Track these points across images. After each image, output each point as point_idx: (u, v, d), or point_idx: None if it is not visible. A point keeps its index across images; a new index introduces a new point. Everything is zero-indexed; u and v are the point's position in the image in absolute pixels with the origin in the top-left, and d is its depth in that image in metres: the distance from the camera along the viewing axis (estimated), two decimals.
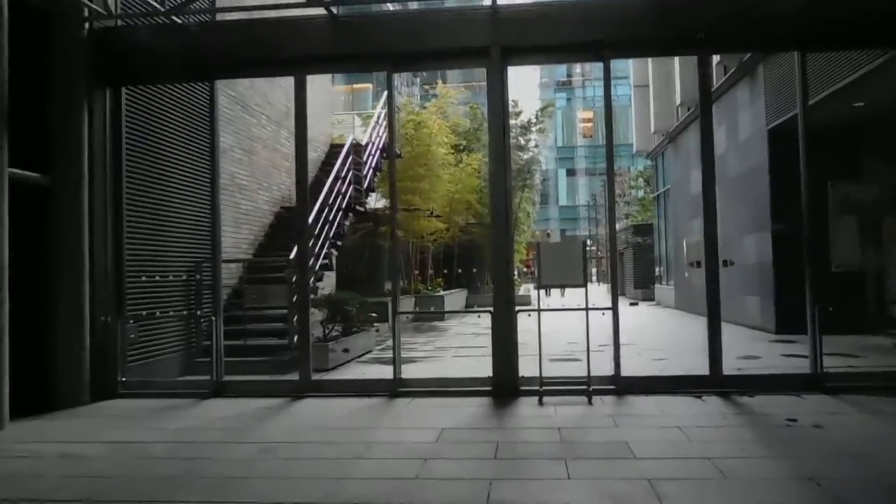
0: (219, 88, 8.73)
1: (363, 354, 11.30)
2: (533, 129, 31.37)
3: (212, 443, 5.98)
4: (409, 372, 9.76)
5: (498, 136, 7.86)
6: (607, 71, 7.96)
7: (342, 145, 15.77)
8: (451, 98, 24.95)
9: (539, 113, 31.61)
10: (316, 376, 8.34)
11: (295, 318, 9.85)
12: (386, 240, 21.01)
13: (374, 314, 12.27)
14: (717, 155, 17.75)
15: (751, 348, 11.58)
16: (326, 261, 12.20)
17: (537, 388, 7.44)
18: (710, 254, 7.81)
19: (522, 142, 31.13)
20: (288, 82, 14.61)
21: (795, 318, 12.62)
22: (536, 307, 7.66)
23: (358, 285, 19.16)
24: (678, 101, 19.63)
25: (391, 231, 8.87)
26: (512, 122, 31.42)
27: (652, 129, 23.69)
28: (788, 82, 12.99)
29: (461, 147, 28.88)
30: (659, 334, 14.64)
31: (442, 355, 11.88)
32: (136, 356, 8.37)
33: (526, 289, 32.69)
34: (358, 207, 14.33)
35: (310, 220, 8.26)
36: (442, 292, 22.68)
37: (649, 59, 23.35)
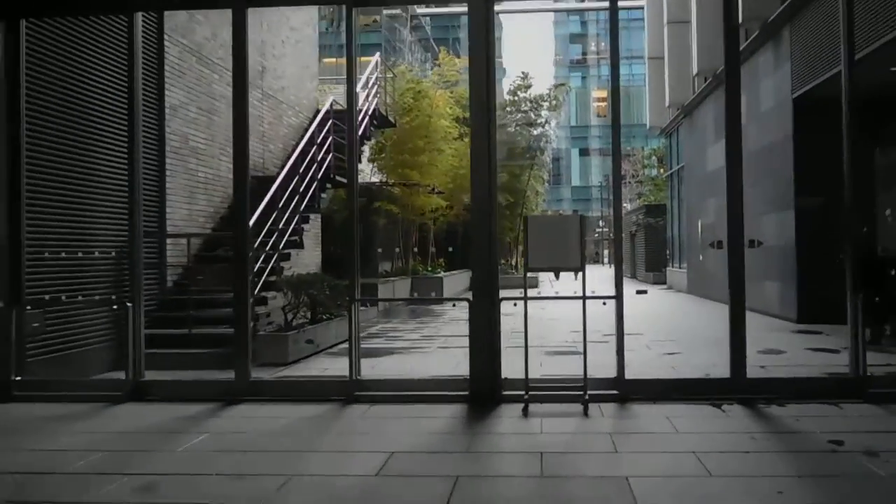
0: (168, 36, 7.47)
1: (336, 345, 10.09)
2: (544, 104, 29.91)
3: (77, 475, 4.51)
4: (381, 368, 8.57)
5: (480, 86, 6.55)
6: (614, 14, 6.66)
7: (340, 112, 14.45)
8: (456, 66, 23.51)
9: (553, 90, 30.16)
10: (264, 375, 7.13)
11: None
12: (381, 216, 19.80)
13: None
14: None
15: (772, 340, 10.30)
16: (295, 237, 10.93)
17: (522, 392, 6.20)
18: (735, 235, 6.51)
19: (533, 117, 29.72)
20: (259, 37, 13.59)
21: (819, 305, 11.43)
22: (523, 295, 6.39)
23: (348, 266, 17.98)
24: (695, 71, 18.15)
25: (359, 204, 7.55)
26: (522, 95, 30.01)
27: (666, 103, 22.21)
28: (818, 44, 11.57)
29: (466, 120, 27.48)
30: (671, 323, 13.34)
31: (427, 346, 10.65)
32: (45, 349, 7.16)
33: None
34: (340, 179, 13.04)
35: (247, 186, 6.91)
36: (442, 273, 21.40)
37: (665, 28, 21.85)
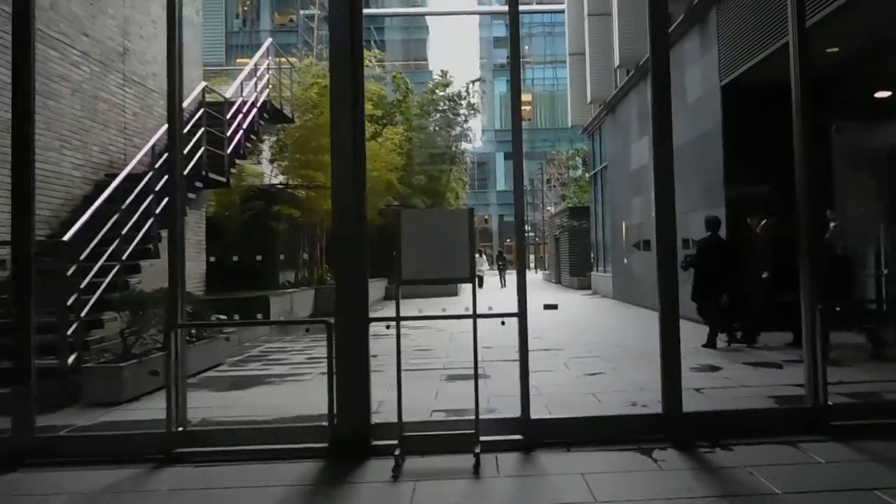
0: None
1: (200, 373, 8.39)
2: (462, 102, 28.58)
3: None
4: (237, 405, 6.91)
5: (343, 46, 5.01)
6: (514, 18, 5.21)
7: (219, 104, 12.66)
8: (366, 60, 21.91)
9: (469, 86, 28.85)
10: (82, 419, 5.40)
11: (73, 329, 6.93)
12: (281, 221, 18.00)
13: (222, 316, 9.35)
14: None
15: (706, 353, 9.10)
16: (149, 245, 9.11)
17: (396, 442, 4.68)
18: (666, 239, 5.16)
19: (451, 116, 28.37)
20: (121, 13, 11.68)
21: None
22: (395, 315, 4.88)
23: (243, 277, 16.20)
24: (616, 63, 17.08)
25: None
26: (441, 93, 28.66)
27: (588, 99, 21.17)
28: (748, 25, 10.52)
29: (381, 119, 25.96)
30: (594, 335, 12.09)
31: (308, 372, 9.00)
32: None
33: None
34: (216, 177, 11.28)
35: (30, 179, 5.17)
36: None
37: (586, 21, 20.81)
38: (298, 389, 7.85)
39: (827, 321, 5.12)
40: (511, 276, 35.12)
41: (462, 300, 22.89)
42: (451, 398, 6.89)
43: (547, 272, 37.40)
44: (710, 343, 9.39)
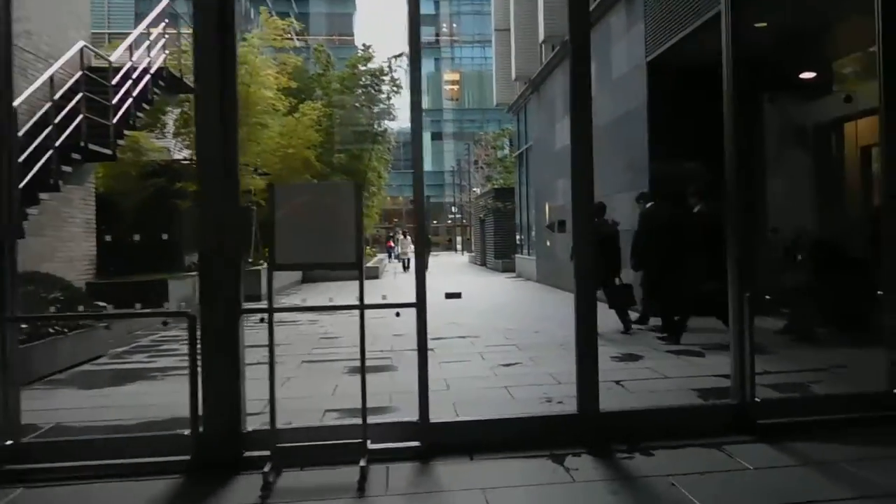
0: None
1: (68, 369, 7.47)
2: (384, 78, 27.64)
3: None
4: (97, 408, 6.04)
5: (209, 8, 4.21)
6: None
7: (103, 69, 11.49)
8: (280, 29, 20.74)
9: (392, 61, 27.88)
10: None
11: None
12: (187, 199, 16.81)
13: (102, 304, 8.40)
14: None
15: (628, 339, 8.70)
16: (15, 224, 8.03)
17: (268, 453, 3.98)
18: (581, 224, 4.59)
19: (374, 92, 27.39)
20: None
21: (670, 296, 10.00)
22: (268, 305, 4.15)
23: (143, 260, 15.03)
24: (541, 38, 16.56)
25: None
26: (363, 67, 27.64)
27: (513, 76, 20.64)
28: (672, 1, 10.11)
29: (300, 94, 24.81)
30: (514, 320, 11.56)
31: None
32: None
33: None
34: (98, 149, 10.19)
35: None
36: (264, 266, 18.67)
37: None
38: (183, 386, 7.00)
39: (754, 309, 4.66)
40: (434, 259, 34.30)
41: (382, 284, 22.21)
42: (350, 395, 6.18)
43: (473, 254, 37.00)
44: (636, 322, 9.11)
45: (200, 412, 4.17)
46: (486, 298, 15.71)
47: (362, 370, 4.13)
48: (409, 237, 30.69)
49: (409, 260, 28.80)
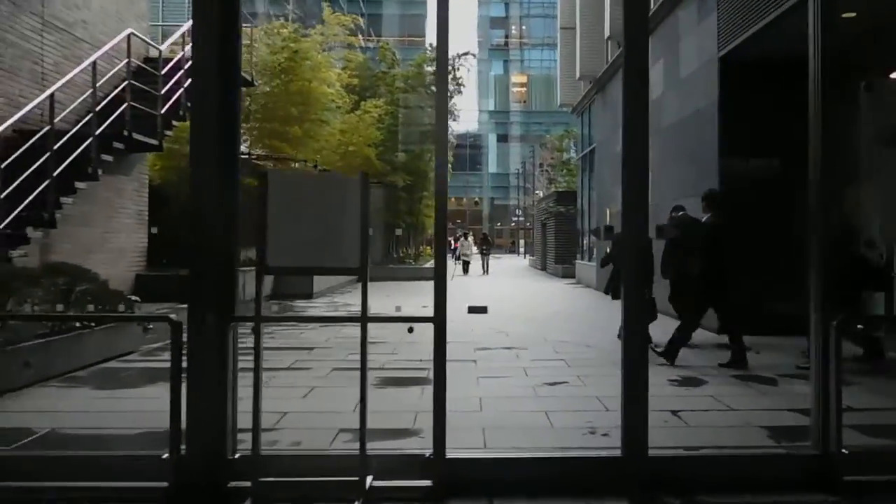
0: None
1: (99, 363, 7.17)
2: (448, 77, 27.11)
3: None
4: (102, 413, 5.63)
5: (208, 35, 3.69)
6: None
7: (154, 59, 11.30)
8: (343, 25, 20.45)
9: (456, 60, 27.36)
10: None
11: None
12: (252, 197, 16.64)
13: (134, 298, 8.06)
14: (652, 99, 14.02)
15: (688, 359, 7.86)
16: (46, 213, 7.75)
17: (250, 484, 3.43)
18: (632, 230, 3.88)
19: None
20: None
21: (749, 312, 9.07)
22: (255, 314, 3.58)
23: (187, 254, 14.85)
24: (607, 34, 15.73)
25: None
26: (428, 68, 27.21)
27: (577, 75, 19.81)
28: None
29: (364, 91, 24.54)
30: (566, 331, 10.74)
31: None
32: None
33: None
34: (144, 139, 9.91)
35: None
36: None
37: None
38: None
39: (840, 341, 3.87)
40: (495, 262, 33.62)
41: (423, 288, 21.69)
42: (375, 412, 5.61)
43: (534, 258, 36.15)
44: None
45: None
46: (540, 306, 15.00)
47: (362, 393, 3.52)
48: (470, 238, 30.10)
49: (469, 263, 28.20)
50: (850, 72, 8.63)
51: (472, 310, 3.91)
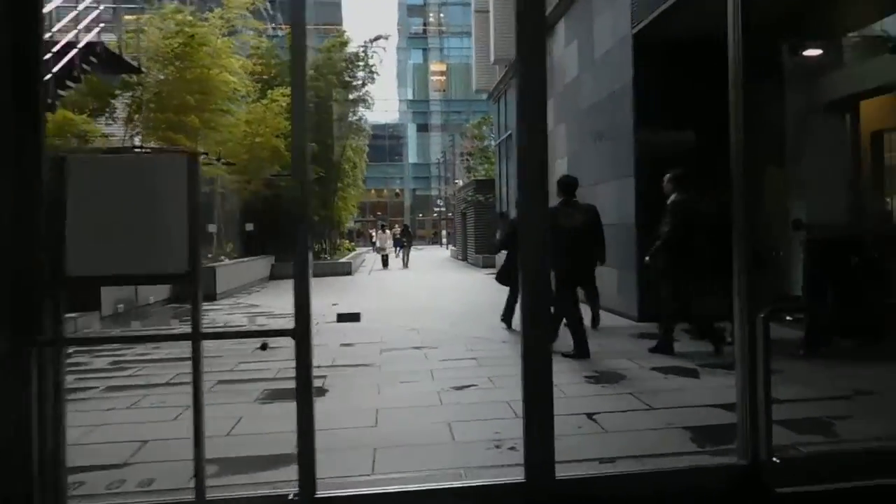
0: None
1: None
2: (360, 64, 26.24)
3: None
4: None
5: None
6: None
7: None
8: (242, 7, 19.31)
9: (368, 45, 26.48)
10: None
11: None
12: None
13: None
14: (567, 82, 13.62)
15: (607, 351, 7.42)
16: None
17: None
18: (528, 221, 3.27)
19: (348, 79, 25.99)
20: None
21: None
22: (55, 334, 2.82)
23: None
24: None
25: None
26: (337, 55, 26.21)
27: (492, 59, 19.33)
28: None
29: (272, 80, 23.43)
30: (483, 325, 10.08)
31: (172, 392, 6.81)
32: None
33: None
34: None
35: None
36: (227, 262, 17.29)
37: None
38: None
39: (769, 334, 3.39)
40: (417, 254, 32.88)
41: (347, 284, 20.91)
42: (252, 437, 4.89)
43: (455, 249, 35.73)
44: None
45: None
46: (456, 299, 14.48)
47: (196, 427, 2.80)
48: (388, 231, 29.37)
49: (387, 257, 27.48)
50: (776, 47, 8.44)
51: (343, 318, 3.24)
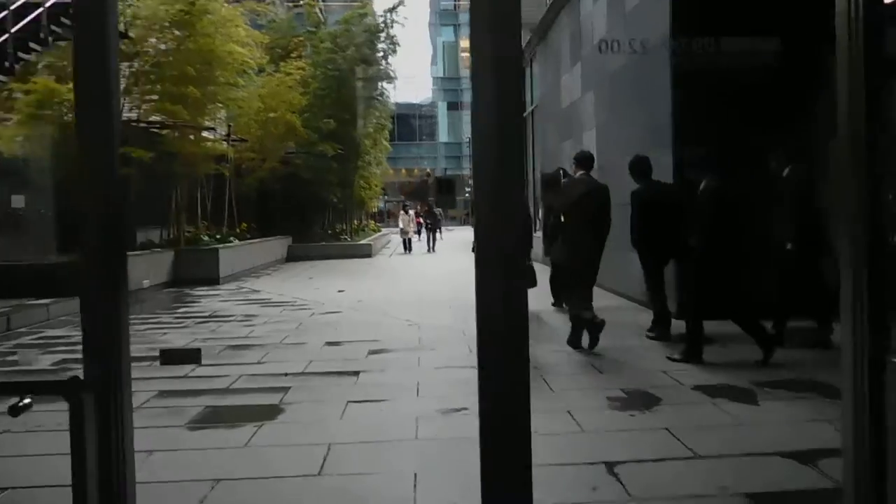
0: None
1: None
2: (381, 35, 24.85)
3: None
4: None
5: None
6: None
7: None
8: None
9: (388, 16, 25.01)
10: None
11: None
12: (133, 166, 14.30)
13: None
14: (596, 42, 12.10)
15: (634, 356, 6.06)
16: None
17: None
18: (486, 224, 1.92)
19: (368, 51, 24.61)
20: None
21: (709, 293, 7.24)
22: None
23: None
24: None
25: None
26: (354, 28, 24.82)
27: None
28: None
29: (280, 51, 22.26)
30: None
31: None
32: None
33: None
34: None
35: None
36: (222, 245, 16.10)
37: None
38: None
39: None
40: (449, 234, 31.33)
41: (365, 268, 19.76)
42: (168, 468, 3.66)
43: None
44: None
45: None
46: (471, 288, 13.12)
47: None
48: (411, 213, 27.97)
49: (410, 240, 26.11)
50: None
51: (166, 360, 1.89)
